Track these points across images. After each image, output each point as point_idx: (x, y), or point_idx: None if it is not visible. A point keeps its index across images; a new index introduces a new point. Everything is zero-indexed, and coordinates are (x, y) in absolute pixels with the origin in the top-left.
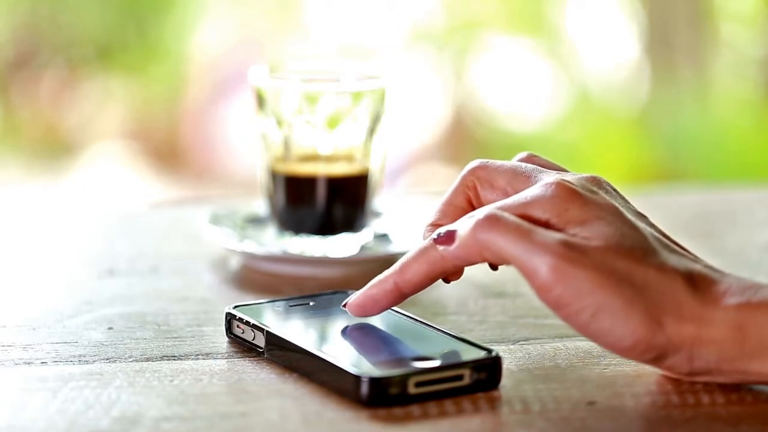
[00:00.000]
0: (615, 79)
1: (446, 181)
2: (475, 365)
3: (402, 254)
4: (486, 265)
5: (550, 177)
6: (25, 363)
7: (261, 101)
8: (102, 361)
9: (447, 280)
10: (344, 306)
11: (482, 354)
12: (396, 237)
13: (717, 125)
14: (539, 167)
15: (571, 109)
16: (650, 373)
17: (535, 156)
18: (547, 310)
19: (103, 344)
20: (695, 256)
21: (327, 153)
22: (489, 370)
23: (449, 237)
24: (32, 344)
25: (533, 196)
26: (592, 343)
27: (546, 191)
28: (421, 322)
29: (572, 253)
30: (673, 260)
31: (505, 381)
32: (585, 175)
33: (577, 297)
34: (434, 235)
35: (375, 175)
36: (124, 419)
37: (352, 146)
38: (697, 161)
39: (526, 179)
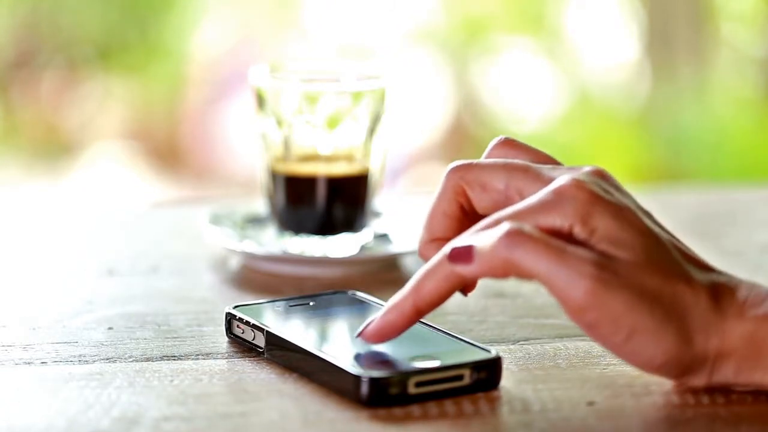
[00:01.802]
0: (615, 79)
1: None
2: (475, 365)
3: (402, 254)
4: None
5: (562, 178)
6: (25, 363)
7: (261, 101)
8: (102, 361)
9: (464, 293)
10: (359, 336)
11: (482, 354)
12: (396, 237)
13: (717, 125)
14: (534, 164)
15: (571, 109)
16: None
17: (513, 140)
18: (548, 310)
19: (103, 344)
20: (705, 261)
21: (327, 153)
22: (489, 370)
23: (467, 254)
24: (32, 344)
25: (550, 201)
26: (592, 343)
27: (564, 196)
28: (421, 322)
29: (606, 274)
30: (695, 273)
31: (505, 381)
32: (588, 168)
33: (611, 320)
34: (447, 251)
35: (375, 175)
36: (124, 419)
37: (352, 146)
38: (697, 161)
39: (527, 176)
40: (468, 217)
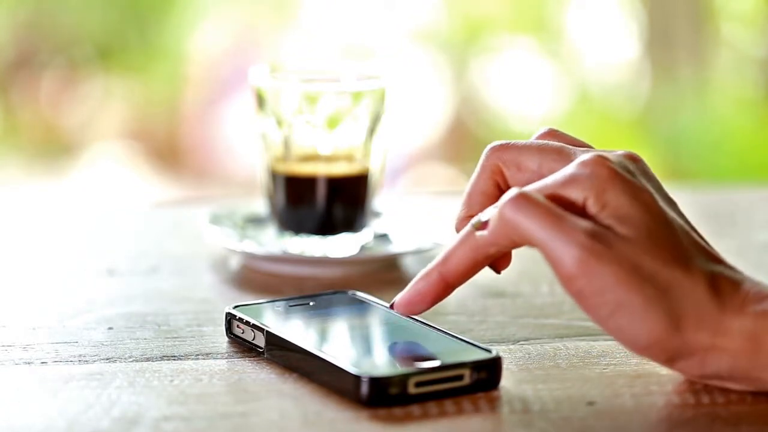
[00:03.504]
0: (615, 78)
1: (446, 181)
2: (475, 365)
3: (402, 254)
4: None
5: (587, 154)
6: (25, 363)
7: (261, 101)
8: (102, 361)
9: (497, 270)
10: (391, 307)
11: (482, 354)
12: (396, 237)
13: (717, 125)
14: (569, 145)
15: (571, 108)
16: (650, 373)
17: (557, 131)
18: (548, 310)
19: (103, 344)
20: (717, 254)
21: (327, 153)
22: (489, 370)
23: (485, 222)
24: (32, 344)
25: (570, 174)
26: (592, 343)
27: (584, 170)
28: (421, 322)
29: (599, 245)
30: (699, 262)
31: (505, 381)
32: (621, 151)
33: (598, 292)
34: (473, 222)
35: (375, 175)
36: (124, 419)
37: (352, 146)
38: (697, 161)
39: (560, 158)
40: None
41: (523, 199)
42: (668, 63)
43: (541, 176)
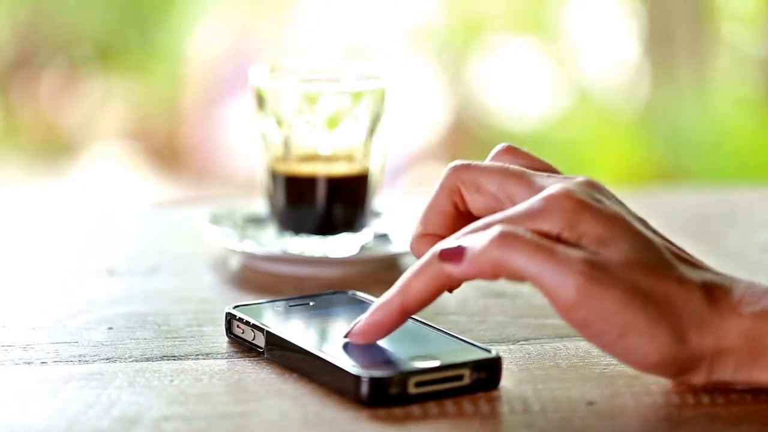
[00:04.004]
0: (615, 78)
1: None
2: (475, 365)
3: (402, 254)
4: None
5: (552, 187)
6: (25, 363)
7: (261, 101)
8: (102, 361)
9: (450, 290)
10: (346, 336)
11: (482, 354)
12: (396, 237)
13: (717, 125)
14: (529, 170)
15: (571, 108)
16: None
17: (516, 148)
18: (548, 310)
19: (103, 344)
20: (700, 261)
21: (327, 153)
22: (489, 370)
23: (457, 254)
24: (32, 344)
25: (539, 208)
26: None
27: (553, 204)
28: (421, 322)
29: (596, 272)
30: (688, 272)
31: (505, 381)
32: (580, 178)
33: (603, 318)
34: (436, 251)
35: (375, 175)
36: (124, 419)
37: (352, 146)
38: (697, 161)
39: (521, 185)
40: (462, 216)
41: (511, 236)
42: (668, 63)
43: (499, 201)
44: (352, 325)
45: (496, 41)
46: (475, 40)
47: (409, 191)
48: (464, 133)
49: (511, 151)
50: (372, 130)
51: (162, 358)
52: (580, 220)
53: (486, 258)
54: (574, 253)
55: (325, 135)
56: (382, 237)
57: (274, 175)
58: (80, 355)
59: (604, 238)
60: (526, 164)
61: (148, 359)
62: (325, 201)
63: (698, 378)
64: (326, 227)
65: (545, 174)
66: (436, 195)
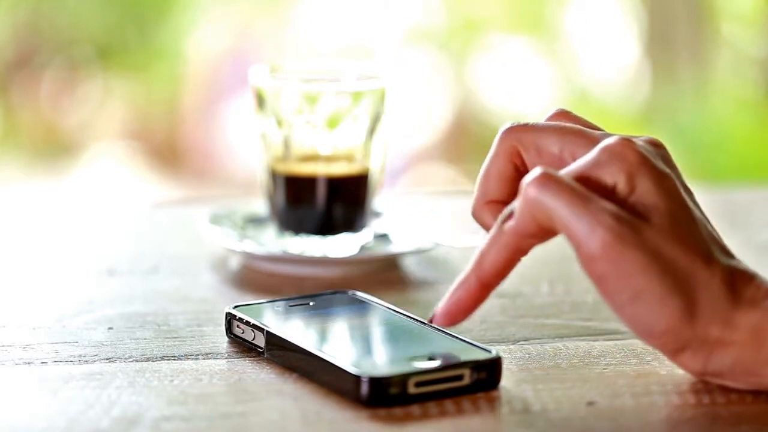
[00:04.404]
0: (615, 79)
1: (446, 181)
2: (475, 365)
3: (402, 254)
4: None
5: (614, 138)
6: (25, 363)
7: (261, 101)
8: (102, 361)
9: (523, 254)
10: (431, 321)
11: (482, 354)
12: (396, 237)
13: (717, 125)
14: (588, 129)
15: (571, 108)
16: (650, 373)
17: (569, 112)
18: (548, 310)
19: (103, 344)
20: (728, 248)
21: (327, 153)
22: (489, 370)
23: (511, 213)
24: (32, 344)
25: (598, 158)
26: (592, 343)
27: (614, 153)
28: (421, 322)
29: (625, 230)
30: (717, 254)
31: (505, 381)
32: (645, 137)
33: (620, 277)
34: (501, 217)
35: (375, 175)
36: (124, 419)
37: (352, 146)
38: (697, 161)
39: (582, 142)
40: (522, 178)
41: (548, 178)
42: (668, 63)
43: (562, 160)
44: (434, 309)
45: (496, 41)
46: (475, 40)
47: (409, 191)
48: (464, 133)
49: (565, 114)
50: (372, 130)
51: (162, 358)
52: (634, 173)
53: (525, 203)
54: (609, 207)
55: (325, 135)
56: (382, 237)
57: (274, 175)
58: (80, 355)
59: (651, 200)
60: (580, 124)
61: (148, 359)
62: (325, 201)
63: (695, 363)
64: (326, 227)
65: (602, 132)
66: (493, 159)
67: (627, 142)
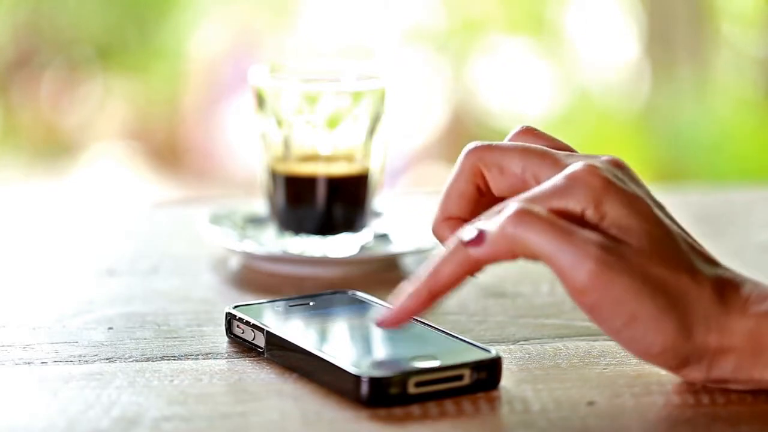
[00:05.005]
0: (615, 79)
1: (446, 181)
2: (475, 365)
3: (402, 254)
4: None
5: (577, 164)
6: (25, 363)
7: (261, 101)
8: (102, 361)
9: (472, 274)
10: (378, 324)
11: (482, 354)
12: (396, 237)
13: (717, 125)
14: (552, 150)
15: (570, 109)
16: (650, 373)
17: (534, 129)
18: (548, 310)
19: (103, 344)
20: (712, 255)
21: (327, 153)
22: (489, 370)
23: (479, 238)
24: (32, 344)
25: (564, 186)
26: (592, 343)
27: (578, 181)
28: (421, 322)
29: (611, 257)
30: (701, 266)
31: (505, 381)
32: (606, 157)
33: (612, 304)
34: (462, 237)
35: (375, 175)
36: (124, 419)
37: (352, 146)
38: (697, 161)
39: (545, 164)
40: (484, 197)
41: (526, 213)
42: (668, 63)
43: (524, 181)
44: (382, 315)
45: (496, 41)
46: (474, 41)
47: (409, 191)
48: (463, 134)
49: (530, 132)
50: (372, 130)
51: (162, 358)
52: (603, 200)
53: (502, 237)
54: (591, 236)
55: (325, 135)
56: (382, 237)
57: (274, 175)
58: (80, 355)
59: (625, 223)
60: (546, 144)
61: (148, 359)
62: (325, 201)
63: (697, 373)
64: (326, 227)
65: (567, 153)
66: (456, 178)
67: (591, 167)
